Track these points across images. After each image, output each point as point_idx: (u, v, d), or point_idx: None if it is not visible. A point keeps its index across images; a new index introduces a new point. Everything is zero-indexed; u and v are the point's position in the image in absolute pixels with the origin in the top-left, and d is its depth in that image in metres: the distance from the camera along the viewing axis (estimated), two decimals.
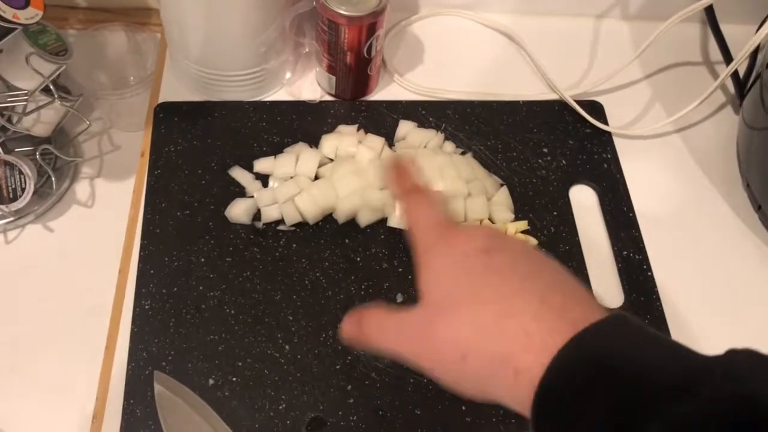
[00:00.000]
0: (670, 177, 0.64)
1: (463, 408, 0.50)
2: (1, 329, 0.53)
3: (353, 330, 0.41)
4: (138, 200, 0.58)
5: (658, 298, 0.56)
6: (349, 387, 0.50)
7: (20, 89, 0.55)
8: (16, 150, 0.59)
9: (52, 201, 0.59)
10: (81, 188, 0.60)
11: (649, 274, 0.57)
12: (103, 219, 0.58)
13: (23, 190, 0.57)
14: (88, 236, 0.57)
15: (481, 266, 0.38)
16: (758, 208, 0.61)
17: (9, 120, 0.57)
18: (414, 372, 0.51)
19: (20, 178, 0.58)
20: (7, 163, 0.58)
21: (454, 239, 0.40)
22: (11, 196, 0.57)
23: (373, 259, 0.56)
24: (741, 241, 0.61)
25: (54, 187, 0.58)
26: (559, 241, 0.58)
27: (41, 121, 0.58)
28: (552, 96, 0.67)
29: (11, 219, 0.57)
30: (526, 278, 0.37)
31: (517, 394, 0.35)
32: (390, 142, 0.62)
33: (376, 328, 0.41)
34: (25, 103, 0.55)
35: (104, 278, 0.55)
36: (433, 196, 0.44)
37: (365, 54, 0.60)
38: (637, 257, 0.58)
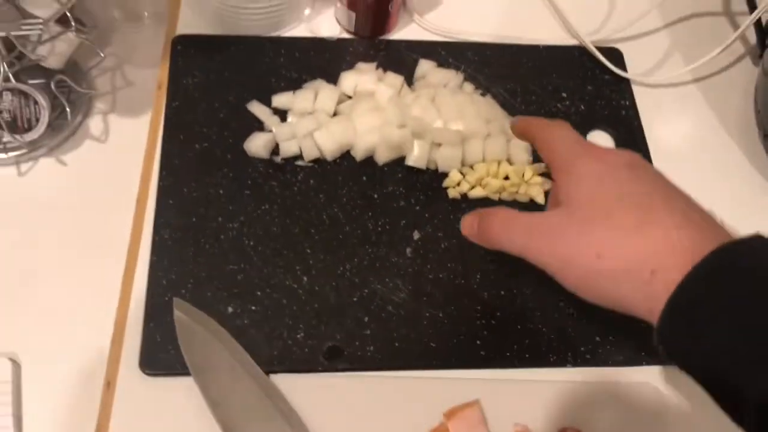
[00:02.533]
0: (688, 126, 0.64)
1: (478, 342, 0.51)
2: (16, 261, 0.53)
3: (474, 226, 0.46)
4: (155, 132, 0.58)
5: None
6: (366, 319, 0.51)
7: (35, 17, 0.54)
8: (29, 81, 0.58)
9: (65, 134, 0.58)
10: (94, 123, 0.59)
11: None
12: (118, 153, 0.58)
13: (38, 120, 0.57)
14: (103, 170, 0.57)
15: (627, 177, 0.41)
16: None
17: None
18: (430, 305, 0.51)
19: (35, 109, 0.57)
20: (21, 93, 0.57)
21: (601, 152, 0.44)
22: (26, 126, 0.57)
23: (391, 196, 0.56)
24: (758, 191, 0.61)
25: (69, 118, 0.58)
26: None
27: (54, 52, 0.57)
28: (572, 41, 0.67)
29: (24, 151, 0.57)
30: (669, 194, 0.40)
31: (650, 294, 0.37)
32: (409, 81, 0.61)
33: (502, 226, 0.44)
34: (40, 31, 0.55)
35: (119, 210, 0.55)
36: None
37: None
38: None
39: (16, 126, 0.57)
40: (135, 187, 0.56)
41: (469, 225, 0.47)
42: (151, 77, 0.61)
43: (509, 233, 0.44)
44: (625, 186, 0.41)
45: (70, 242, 0.54)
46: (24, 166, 0.57)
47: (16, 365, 0.49)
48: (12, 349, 0.49)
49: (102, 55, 0.59)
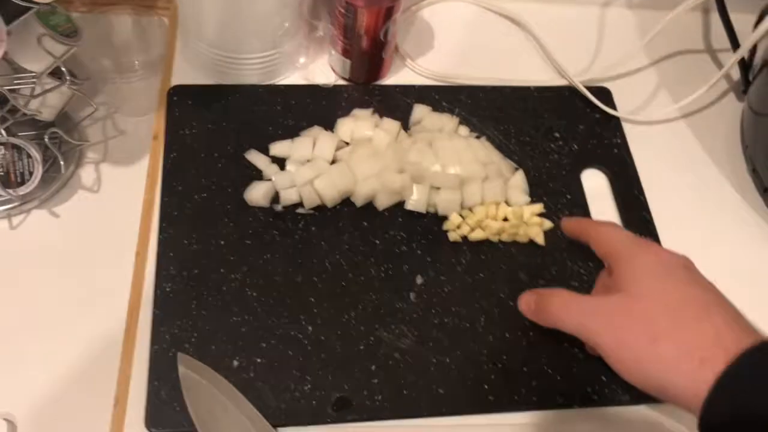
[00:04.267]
0: (678, 161, 0.65)
1: (485, 386, 0.51)
2: (11, 317, 0.52)
3: (531, 305, 0.51)
4: (153, 184, 0.58)
5: None
6: (373, 367, 0.50)
7: (28, 71, 0.54)
8: (20, 134, 0.58)
9: (57, 186, 0.58)
10: (86, 173, 0.59)
11: None
12: (111, 204, 0.58)
13: (30, 173, 0.56)
14: (97, 221, 0.57)
15: (685, 278, 0.47)
16: (764, 191, 0.62)
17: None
18: (436, 351, 0.51)
19: (27, 162, 0.57)
20: (14, 147, 0.57)
21: (658, 249, 0.50)
22: (18, 180, 0.56)
23: (392, 241, 0.56)
24: (747, 223, 0.62)
25: (62, 171, 0.57)
26: None
27: (47, 104, 0.57)
28: (562, 82, 0.68)
29: (16, 204, 0.56)
30: (719, 297, 0.46)
31: (697, 379, 0.42)
32: (405, 125, 0.62)
33: (561, 306, 0.49)
34: (33, 85, 0.54)
35: (116, 262, 0.54)
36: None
37: (381, 38, 0.60)
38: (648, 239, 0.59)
39: (8, 180, 0.56)
40: (132, 239, 0.55)
41: (526, 303, 0.52)
42: (144, 127, 0.61)
43: (568, 313, 0.48)
44: (683, 285, 0.46)
45: (67, 297, 0.53)
46: (15, 219, 0.56)
47: (12, 425, 0.47)
48: (7, 408, 0.48)
49: (94, 106, 0.59)
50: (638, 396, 0.51)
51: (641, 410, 0.52)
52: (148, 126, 0.61)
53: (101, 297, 0.53)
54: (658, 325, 0.44)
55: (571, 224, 0.56)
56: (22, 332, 0.51)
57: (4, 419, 0.47)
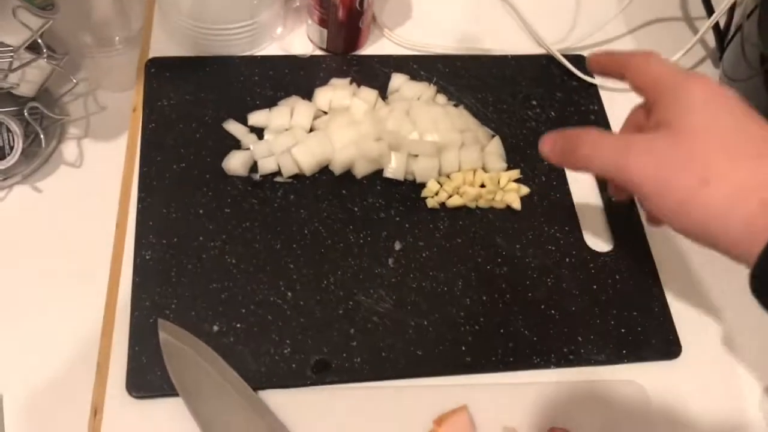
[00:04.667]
0: None
1: (463, 348, 0.52)
2: None
3: (556, 148, 0.45)
4: (132, 155, 0.58)
5: (646, 244, 0.58)
6: (352, 330, 0.51)
7: (6, 45, 0.54)
8: (1, 110, 0.58)
9: (39, 161, 0.58)
10: (68, 149, 0.59)
11: (638, 220, 0.59)
12: (93, 178, 0.58)
13: (11, 148, 0.57)
14: (79, 195, 0.57)
15: (742, 111, 0.40)
16: None
17: None
18: (414, 314, 0.52)
19: (8, 137, 0.57)
20: None
21: (709, 80, 0.41)
22: None
23: (370, 208, 0.57)
24: None
25: (43, 145, 0.58)
26: (551, 190, 0.60)
27: (26, 79, 0.57)
28: (539, 50, 0.68)
29: None
30: None
31: (752, 225, 0.36)
32: (383, 95, 0.62)
33: (593, 145, 0.42)
34: (11, 59, 0.54)
35: (98, 234, 0.55)
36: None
37: (357, 7, 0.60)
38: (625, 205, 0.60)
39: None
40: (113, 211, 0.56)
41: (550, 144, 0.45)
42: (125, 101, 0.61)
43: (601, 152, 0.42)
44: (740, 118, 0.40)
45: (50, 269, 0.53)
46: None
47: None
48: None
49: (74, 81, 0.59)
50: (614, 356, 0.53)
51: (618, 370, 0.53)
52: (129, 100, 0.61)
53: (83, 268, 0.53)
54: (711, 163, 0.38)
55: (601, 58, 0.48)
56: (5, 304, 0.52)
57: None
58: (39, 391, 0.49)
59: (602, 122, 0.64)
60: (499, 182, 0.58)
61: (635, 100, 0.67)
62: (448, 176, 0.58)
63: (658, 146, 0.40)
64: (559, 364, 0.52)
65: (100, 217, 0.55)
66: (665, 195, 0.39)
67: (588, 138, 0.43)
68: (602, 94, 0.66)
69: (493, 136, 0.61)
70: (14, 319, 0.51)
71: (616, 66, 0.47)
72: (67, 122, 0.60)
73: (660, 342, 0.54)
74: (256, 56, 0.64)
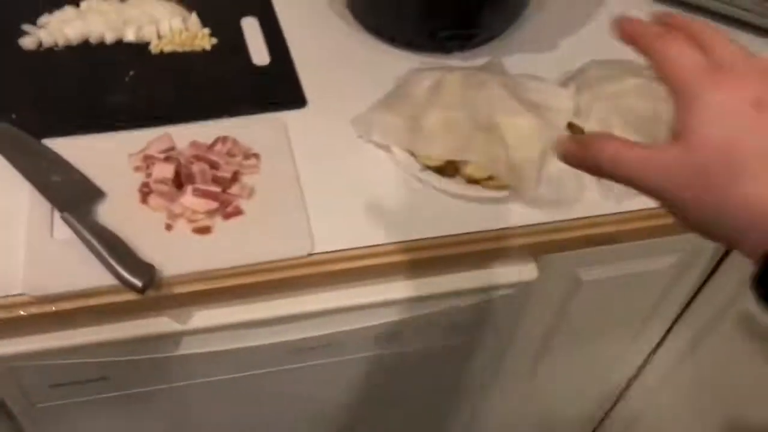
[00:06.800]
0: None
1: None
2: None
3: (573, 153, 0.44)
4: None
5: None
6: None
7: None
8: None
9: None
10: None
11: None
12: None
13: None
14: None
15: (760, 125, 0.38)
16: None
17: None
18: None
19: None
20: None
21: (737, 79, 0.39)
22: None
23: None
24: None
25: None
26: None
27: None
28: None
29: None
30: None
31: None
32: None
33: (614, 159, 0.42)
34: None
35: None
36: (695, 29, 0.42)
37: None
38: None
39: None
40: None
41: (565, 151, 0.45)
42: None
43: (621, 169, 0.42)
44: (749, 135, 0.37)
45: None
46: None
47: None
48: None
49: None
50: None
51: None
52: None
53: None
54: (717, 181, 0.38)
55: (628, 27, 0.44)
56: None
57: None
58: None
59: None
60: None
61: None
62: None
63: (669, 164, 0.40)
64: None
65: None
66: (699, 198, 0.39)
67: (610, 147, 0.42)
68: None
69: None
70: None
71: (642, 45, 0.43)
72: None
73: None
74: None
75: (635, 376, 1.29)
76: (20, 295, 0.70)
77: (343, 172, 0.84)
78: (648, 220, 0.83)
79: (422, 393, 1.05)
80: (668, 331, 1.18)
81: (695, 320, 1.13)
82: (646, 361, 1.26)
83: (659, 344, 1.21)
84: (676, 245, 0.92)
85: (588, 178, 0.84)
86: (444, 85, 0.86)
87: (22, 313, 0.70)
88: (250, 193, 0.79)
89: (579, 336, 1.09)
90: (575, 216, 0.83)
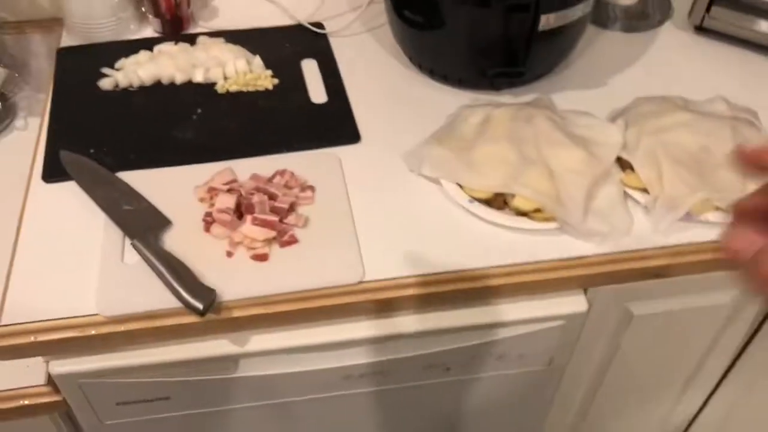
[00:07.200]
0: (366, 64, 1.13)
1: None
2: None
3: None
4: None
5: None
6: None
7: None
8: None
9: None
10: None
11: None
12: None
13: None
14: None
15: None
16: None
17: None
18: None
19: None
20: None
21: None
22: None
23: None
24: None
25: None
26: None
27: None
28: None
29: None
30: None
31: None
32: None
33: None
34: None
35: None
36: None
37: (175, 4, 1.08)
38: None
39: None
40: None
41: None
42: None
43: None
44: None
45: None
46: None
47: None
48: None
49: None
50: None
51: None
52: None
53: None
54: None
55: (752, 155, 0.40)
56: None
57: None
58: None
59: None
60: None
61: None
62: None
63: None
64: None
65: None
66: None
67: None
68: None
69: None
70: None
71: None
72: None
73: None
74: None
75: (695, 417, 1.26)
76: (93, 315, 0.75)
77: (394, 203, 0.88)
78: (699, 254, 0.83)
79: (471, 424, 1.05)
80: (727, 370, 1.15)
81: (752, 361, 1.10)
82: (705, 403, 1.22)
83: (719, 383, 1.18)
84: (731, 281, 0.90)
85: (637, 211, 0.85)
86: (493, 120, 0.89)
87: (93, 332, 0.75)
88: (306, 222, 0.83)
89: (633, 373, 1.08)
90: (624, 249, 0.83)
